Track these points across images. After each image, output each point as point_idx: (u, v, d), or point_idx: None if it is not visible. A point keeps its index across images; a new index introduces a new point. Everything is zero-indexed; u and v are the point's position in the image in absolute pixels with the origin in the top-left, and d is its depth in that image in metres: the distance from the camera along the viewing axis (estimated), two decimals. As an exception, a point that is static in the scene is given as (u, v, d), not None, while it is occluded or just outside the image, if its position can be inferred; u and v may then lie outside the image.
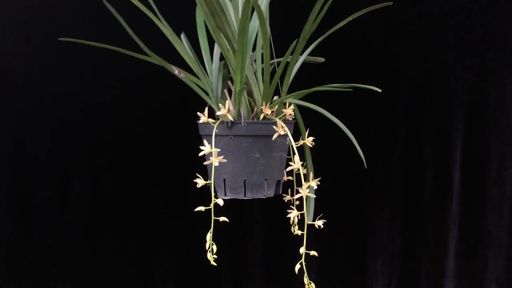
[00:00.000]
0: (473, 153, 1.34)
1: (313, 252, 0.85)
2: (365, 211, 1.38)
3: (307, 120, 1.00)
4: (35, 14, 1.24)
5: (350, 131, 0.90)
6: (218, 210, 0.84)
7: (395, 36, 1.33)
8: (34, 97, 1.27)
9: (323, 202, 1.03)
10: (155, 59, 0.92)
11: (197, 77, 0.95)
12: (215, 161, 0.83)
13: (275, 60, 1.01)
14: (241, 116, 0.89)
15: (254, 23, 0.89)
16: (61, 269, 1.31)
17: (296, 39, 0.88)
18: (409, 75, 1.34)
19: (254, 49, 0.95)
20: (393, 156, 1.36)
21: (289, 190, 0.95)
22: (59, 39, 0.96)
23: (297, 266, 0.85)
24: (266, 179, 0.89)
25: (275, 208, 1.00)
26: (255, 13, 0.87)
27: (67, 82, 1.28)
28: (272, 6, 0.95)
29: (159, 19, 0.93)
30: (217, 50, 0.96)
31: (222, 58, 0.94)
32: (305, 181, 0.84)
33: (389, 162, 1.36)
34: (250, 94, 0.92)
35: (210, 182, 0.85)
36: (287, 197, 0.96)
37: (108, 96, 1.30)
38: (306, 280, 0.86)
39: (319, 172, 1.00)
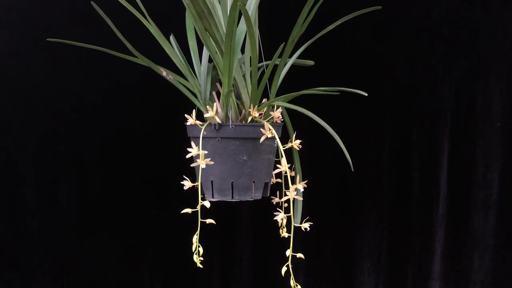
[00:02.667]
0: (460, 156, 1.35)
1: (299, 255, 0.86)
2: (353, 213, 1.38)
3: (295, 122, 1.01)
4: (26, 14, 1.23)
5: (338, 134, 0.91)
6: (206, 211, 0.84)
7: (383, 39, 1.34)
8: (20, 101, 1.26)
9: (312, 204, 1.04)
10: (142, 60, 0.92)
11: (185, 78, 0.95)
12: (202, 163, 0.83)
13: (264, 62, 1.01)
14: (229, 119, 0.90)
15: (243, 25, 0.89)
16: (48, 272, 1.30)
17: (284, 42, 0.88)
18: (396, 78, 1.35)
19: (243, 51, 0.95)
20: (381, 159, 1.37)
21: (278, 192, 0.96)
22: (47, 39, 0.96)
23: (284, 269, 0.85)
24: (253, 181, 0.89)
25: (264, 209, 1.00)
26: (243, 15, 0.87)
27: (55, 85, 1.27)
28: (261, 8, 0.95)
29: (147, 20, 0.93)
30: (206, 52, 0.96)
31: (211, 60, 0.94)
32: (292, 184, 0.85)
33: (376, 165, 1.36)
34: (238, 96, 0.92)
35: (197, 184, 0.85)
36: (276, 199, 0.96)
37: (97, 99, 1.29)
38: (292, 282, 0.87)
39: (308, 175, 1.01)
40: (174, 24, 1.02)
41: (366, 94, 0.87)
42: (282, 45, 0.87)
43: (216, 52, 0.87)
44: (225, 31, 0.82)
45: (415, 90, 1.35)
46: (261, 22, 0.98)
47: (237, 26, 0.84)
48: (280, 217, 0.86)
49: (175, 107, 0.98)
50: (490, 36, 1.32)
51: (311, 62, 1.12)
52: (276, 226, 0.91)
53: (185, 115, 0.89)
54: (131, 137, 1.30)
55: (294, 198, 0.84)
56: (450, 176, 1.35)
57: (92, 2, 0.84)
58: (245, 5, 0.91)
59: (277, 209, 0.88)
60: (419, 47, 1.34)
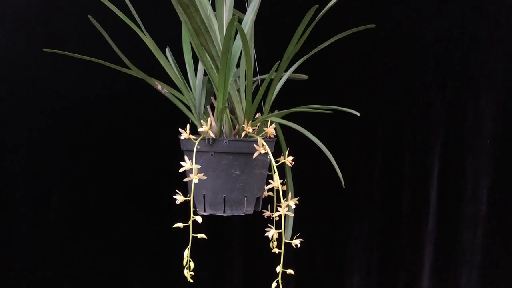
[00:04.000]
0: (450, 172, 1.37)
1: (289, 271, 0.86)
2: (344, 228, 1.39)
3: (289, 137, 1.02)
4: (22, 21, 1.23)
5: (330, 151, 0.92)
6: (198, 225, 0.84)
7: (377, 57, 1.36)
8: (8, 103, 1.25)
9: (303, 219, 1.05)
10: (137, 73, 0.92)
11: (180, 92, 0.96)
12: (195, 178, 0.83)
13: (259, 77, 1.02)
14: (223, 133, 0.90)
15: (239, 42, 0.90)
16: (37, 281, 1.29)
17: (279, 61, 0.89)
18: (389, 95, 1.36)
19: (238, 65, 0.96)
20: (372, 175, 1.37)
21: (269, 206, 0.96)
22: (43, 49, 0.96)
23: (274, 284, 0.86)
24: (246, 196, 0.90)
25: (255, 223, 1.01)
26: (239, 33, 0.87)
27: (46, 88, 1.26)
28: (257, 24, 0.96)
29: (143, 32, 0.93)
30: (201, 66, 0.96)
31: (206, 73, 0.94)
32: (284, 199, 0.85)
33: (368, 181, 1.37)
34: (232, 111, 0.93)
35: (189, 198, 0.85)
36: (267, 213, 0.97)
37: (90, 107, 1.29)
38: (282, 298, 0.87)
39: (299, 189, 1.01)
40: (170, 37, 1.03)
41: (358, 114, 0.88)
42: (277, 63, 0.88)
43: (212, 68, 0.87)
44: (221, 48, 0.82)
45: (407, 107, 1.37)
46: (257, 37, 0.99)
47: (233, 43, 0.85)
48: (271, 233, 0.86)
49: (170, 119, 0.98)
50: (481, 55, 1.34)
51: (304, 76, 1.13)
52: (267, 239, 0.92)
53: (179, 129, 0.89)
54: (124, 147, 1.30)
55: (285, 214, 0.85)
56: (440, 192, 1.37)
57: (89, 16, 0.85)
58: (241, 22, 0.92)
59: (269, 224, 0.88)
60: (411, 65, 1.35)
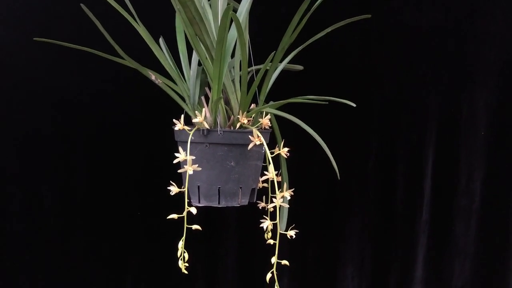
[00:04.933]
0: (444, 164, 1.37)
1: (284, 262, 0.86)
2: (338, 219, 1.39)
3: (284, 128, 1.01)
4: (14, 13, 1.21)
5: (325, 142, 0.91)
6: (192, 216, 0.84)
7: (372, 48, 1.35)
8: (3, 98, 1.24)
9: (297, 210, 1.04)
10: (130, 62, 0.91)
11: (174, 82, 0.95)
12: (189, 169, 0.83)
13: (254, 67, 1.01)
14: (217, 124, 0.89)
15: (233, 31, 0.89)
16: (31, 275, 1.28)
17: (274, 51, 0.88)
18: (384, 87, 1.36)
19: (233, 55, 0.95)
20: (367, 166, 1.38)
21: (264, 197, 0.96)
22: (34, 39, 0.94)
23: (268, 275, 0.86)
24: (240, 187, 0.89)
25: (250, 214, 1.00)
26: (234, 22, 0.87)
27: (41, 83, 1.25)
28: (252, 14, 0.95)
29: (136, 21, 0.92)
30: (195, 56, 0.96)
31: (200, 63, 0.93)
32: (279, 191, 0.85)
33: (362, 172, 1.38)
34: (227, 102, 0.92)
35: (184, 189, 0.84)
36: (262, 204, 0.96)
37: (84, 98, 1.27)
38: (277, 288, 0.87)
39: (294, 180, 1.01)
40: (164, 27, 1.01)
41: (354, 105, 0.87)
42: (272, 54, 0.87)
43: (206, 58, 0.86)
44: (215, 37, 0.82)
45: (402, 99, 1.36)
46: (251, 27, 0.98)
47: (228, 33, 0.84)
48: (266, 224, 0.86)
49: (164, 109, 0.97)
50: (476, 48, 1.34)
51: (300, 67, 1.12)
52: (261, 231, 0.91)
53: (173, 120, 0.88)
54: (116, 138, 1.29)
55: (280, 205, 0.84)
56: (434, 184, 1.37)
57: (81, 5, 0.83)
58: (236, 11, 0.91)
59: (263, 215, 0.88)
60: (406, 56, 1.35)
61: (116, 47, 0.88)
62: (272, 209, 0.94)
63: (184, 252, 0.85)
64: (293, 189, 0.88)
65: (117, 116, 1.28)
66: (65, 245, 1.29)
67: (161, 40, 1.02)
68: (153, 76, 0.92)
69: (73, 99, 1.27)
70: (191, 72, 0.94)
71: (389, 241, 1.39)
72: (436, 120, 1.36)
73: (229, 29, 0.86)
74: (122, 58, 0.91)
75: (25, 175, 1.26)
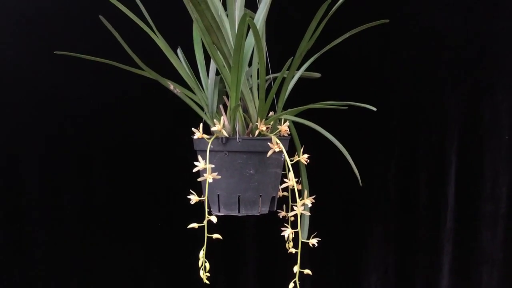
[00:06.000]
0: (467, 170, 1.34)
1: (307, 271, 0.85)
2: (360, 227, 1.37)
3: (303, 136, 1.00)
4: (35, 26, 1.24)
5: (345, 148, 0.90)
6: (212, 225, 0.83)
7: (391, 53, 1.34)
8: (27, 106, 1.26)
9: (318, 218, 1.03)
10: (149, 73, 0.92)
11: (192, 92, 0.95)
12: (209, 177, 0.82)
13: (271, 75, 1.01)
14: (236, 132, 0.89)
15: (250, 39, 0.89)
16: (51, 280, 1.29)
17: (292, 57, 0.88)
18: (403, 92, 1.35)
19: (250, 64, 0.95)
20: (388, 173, 1.36)
21: (284, 206, 0.95)
22: (54, 52, 0.96)
23: (291, 285, 0.84)
24: (260, 195, 0.89)
25: (270, 223, 0.99)
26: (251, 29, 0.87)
27: (63, 91, 1.27)
28: (269, 22, 0.95)
29: (155, 33, 0.93)
30: (213, 65, 0.96)
31: (218, 72, 0.94)
32: (299, 198, 0.84)
33: (384, 178, 1.36)
34: (245, 110, 0.92)
35: (204, 198, 0.84)
36: (282, 213, 0.95)
37: (105, 107, 1.29)
38: (299, 298, 0.86)
39: (314, 188, 1.00)
40: (181, 37, 1.02)
41: (375, 109, 0.86)
42: (290, 60, 0.87)
43: (224, 66, 0.87)
44: (233, 45, 0.82)
45: (422, 103, 1.35)
46: (268, 34, 0.98)
47: (245, 40, 0.84)
48: (288, 232, 0.85)
49: (184, 119, 0.98)
50: (496, 50, 1.32)
51: (317, 75, 1.11)
52: (282, 240, 0.90)
53: (192, 128, 0.89)
54: (138, 147, 1.30)
55: (301, 213, 0.83)
56: (458, 190, 1.34)
57: (100, 16, 0.84)
58: (253, 19, 0.92)
59: (284, 224, 0.87)
60: (426, 60, 1.33)
61: (136, 58, 0.89)
62: (293, 218, 0.93)
63: (205, 261, 0.85)
64: (314, 196, 0.87)
65: (137, 125, 1.29)
66: (84, 253, 1.30)
67: (179, 51, 1.03)
68: (171, 85, 0.93)
69: (94, 108, 1.28)
70: (209, 81, 0.94)
71: (413, 249, 1.36)
72: (458, 124, 1.33)
73: (246, 36, 0.86)
74: (142, 69, 0.92)
75: (45, 183, 1.28)
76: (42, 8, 1.24)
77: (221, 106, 0.95)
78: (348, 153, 0.90)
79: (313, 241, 0.86)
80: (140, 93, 1.27)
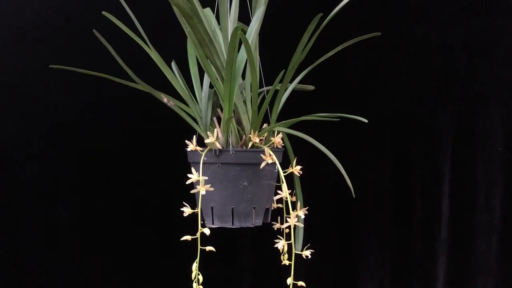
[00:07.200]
0: (461, 180, 1.35)
1: (300, 283, 0.84)
2: (354, 238, 1.37)
3: (297, 148, 1.01)
4: (28, 37, 1.25)
5: (339, 160, 0.91)
6: (206, 237, 0.83)
7: (384, 64, 1.35)
8: (18, 119, 1.27)
9: (313, 230, 1.03)
10: (143, 86, 0.92)
11: (186, 104, 0.96)
12: (202, 189, 0.83)
13: (265, 88, 1.02)
14: (229, 144, 0.90)
15: (243, 52, 0.90)
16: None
17: (285, 69, 0.89)
18: (397, 103, 1.36)
19: (243, 77, 0.96)
20: (382, 184, 1.36)
21: (279, 218, 0.95)
22: (49, 66, 0.96)
23: (285, 297, 0.84)
24: (254, 207, 0.89)
25: (265, 235, 0.99)
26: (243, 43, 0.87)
27: (53, 104, 1.28)
28: (262, 34, 0.96)
29: (148, 46, 0.94)
30: (207, 78, 0.97)
31: (212, 85, 0.94)
32: (293, 210, 0.84)
33: (377, 189, 1.36)
34: (239, 122, 0.92)
35: (197, 210, 0.84)
36: (277, 225, 0.95)
37: (97, 120, 1.29)
38: (293, 310, 0.85)
39: (308, 200, 1.00)
40: (175, 50, 1.03)
41: (366, 121, 0.87)
42: (282, 72, 0.88)
43: (217, 79, 0.87)
44: (225, 58, 0.82)
45: (416, 114, 1.35)
46: (262, 47, 0.99)
47: (238, 53, 0.85)
48: (281, 244, 0.85)
49: (176, 132, 0.98)
50: (489, 61, 1.33)
51: (311, 87, 1.12)
52: (277, 252, 0.90)
53: (186, 141, 0.89)
54: (131, 160, 1.30)
55: (295, 225, 0.83)
56: (452, 201, 1.35)
57: (94, 31, 0.85)
58: (246, 33, 0.92)
59: (278, 236, 0.87)
60: (419, 72, 1.35)
61: (130, 72, 0.89)
62: (287, 230, 0.93)
63: (199, 274, 0.84)
64: (307, 207, 0.87)
65: (131, 138, 1.30)
66: (78, 266, 1.30)
67: (173, 64, 1.03)
68: (165, 98, 0.93)
69: (90, 117, 1.29)
70: (203, 93, 0.95)
71: (408, 260, 1.36)
72: (451, 134, 1.34)
73: (239, 49, 0.87)
74: (135, 82, 0.92)
75: (40, 196, 1.28)
76: (37, 21, 1.25)
77: (214, 118, 0.95)
78: (342, 164, 0.91)
79: (307, 253, 0.86)
80: (134, 106, 1.27)
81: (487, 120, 1.34)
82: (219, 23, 0.94)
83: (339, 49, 0.97)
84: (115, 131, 1.30)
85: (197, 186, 0.84)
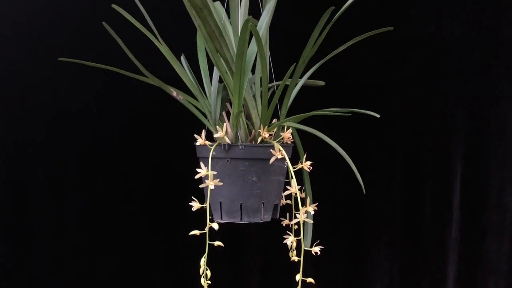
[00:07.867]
0: (473, 179, 1.33)
1: (309, 279, 0.84)
2: (364, 236, 1.36)
3: (306, 143, 1.00)
4: (38, 31, 1.25)
5: (349, 155, 0.89)
6: (215, 232, 0.83)
7: (395, 60, 1.34)
8: (24, 114, 1.27)
9: (322, 226, 1.02)
10: (153, 80, 0.92)
11: (195, 99, 0.95)
12: (211, 184, 0.82)
13: (275, 83, 1.01)
14: (238, 139, 0.89)
15: (253, 46, 0.89)
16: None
17: (295, 63, 0.88)
18: (409, 100, 1.34)
19: (253, 71, 0.95)
20: (393, 181, 1.35)
21: (288, 214, 0.94)
22: (59, 59, 0.96)
23: (293, 293, 0.83)
24: (263, 203, 0.88)
25: (274, 231, 0.98)
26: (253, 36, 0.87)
27: (67, 106, 1.28)
28: (272, 29, 0.95)
29: (158, 40, 0.93)
30: (216, 72, 0.96)
31: (221, 80, 0.94)
32: (302, 206, 0.83)
33: (388, 186, 1.35)
34: (248, 116, 0.92)
35: (205, 205, 0.83)
36: (285, 221, 0.94)
37: (105, 114, 1.29)
38: (302, 307, 0.84)
39: (318, 196, 0.99)
40: (185, 45, 1.02)
41: (378, 116, 0.86)
42: (293, 66, 0.87)
43: (227, 73, 0.87)
44: (235, 52, 0.82)
45: (428, 111, 1.34)
46: (272, 42, 0.98)
47: (248, 47, 0.84)
48: (290, 240, 0.84)
49: (185, 126, 0.98)
50: (503, 58, 1.31)
51: (321, 83, 1.11)
52: (285, 248, 0.89)
53: (195, 135, 0.88)
54: (139, 155, 1.30)
55: (304, 221, 0.82)
56: (463, 199, 1.33)
57: (103, 23, 0.85)
58: (256, 26, 0.92)
59: (287, 231, 0.86)
60: (431, 69, 1.33)
61: (139, 66, 0.89)
62: (296, 227, 0.92)
63: (207, 269, 0.84)
64: (317, 203, 0.86)
65: (139, 132, 1.30)
66: (85, 261, 1.29)
67: (182, 58, 1.03)
68: (174, 92, 0.93)
69: (97, 111, 1.29)
70: (212, 88, 0.94)
71: (418, 259, 1.35)
72: (464, 132, 1.33)
73: (249, 43, 0.86)
74: (145, 76, 0.92)
75: (46, 192, 1.27)
76: (46, 14, 1.25)
77: (224, 113, 0.95)
78: (352, 161, 0.89)
79: (316, 249, 0.85)
80: (142, 100, 1.27)
81: (500, 118, 1.32)
82: (229, 17, 0.94)
83: (350, 43, 0.96)
84: (123, 126, 1.29)
85: (206, 181, 0.83)
